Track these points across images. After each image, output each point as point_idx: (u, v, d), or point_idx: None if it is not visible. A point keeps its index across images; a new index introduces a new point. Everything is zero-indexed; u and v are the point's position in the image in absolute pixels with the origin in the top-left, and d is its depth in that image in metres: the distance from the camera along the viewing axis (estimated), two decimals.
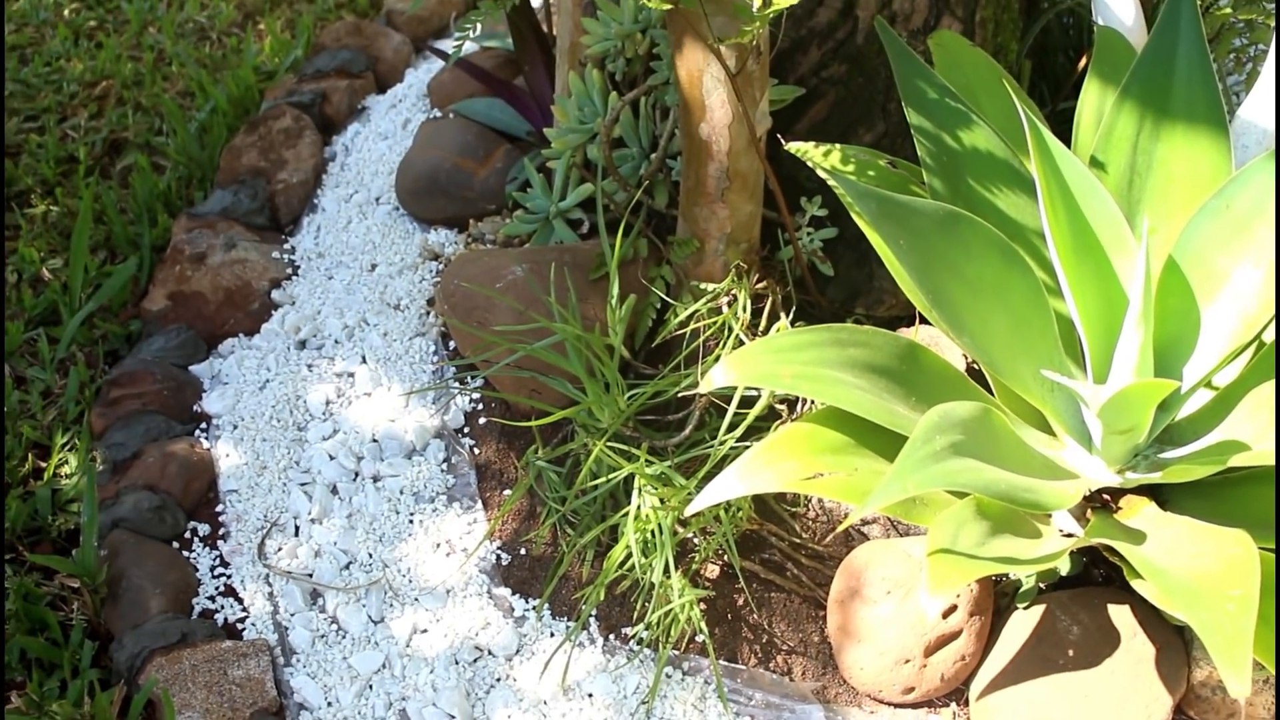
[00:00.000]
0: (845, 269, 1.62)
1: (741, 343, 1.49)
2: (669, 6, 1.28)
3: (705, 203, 1.51)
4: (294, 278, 1.87)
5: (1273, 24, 1.74)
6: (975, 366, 1.51)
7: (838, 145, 1.38)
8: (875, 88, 1.66)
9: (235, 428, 1.65)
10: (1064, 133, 1.53)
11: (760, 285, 1.55)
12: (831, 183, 1.26)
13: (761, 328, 1.53)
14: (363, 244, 1.89)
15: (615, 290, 1.51)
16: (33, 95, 2.32)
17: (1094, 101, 1.41)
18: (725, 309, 1.53)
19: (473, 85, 2.07)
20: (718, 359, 1.45)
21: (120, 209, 2.04)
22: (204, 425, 1.68)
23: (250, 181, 1.98)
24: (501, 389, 1.60)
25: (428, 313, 1.77)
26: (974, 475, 1.13)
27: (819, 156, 1.37)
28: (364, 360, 1.71)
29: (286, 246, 1.92)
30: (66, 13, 2.54)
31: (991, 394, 1.37)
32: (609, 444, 1.43)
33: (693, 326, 1.52)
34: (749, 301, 1.50)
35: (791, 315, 1.56)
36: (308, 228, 1.96)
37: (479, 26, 2.02)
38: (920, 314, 1.51)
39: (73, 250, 1.89)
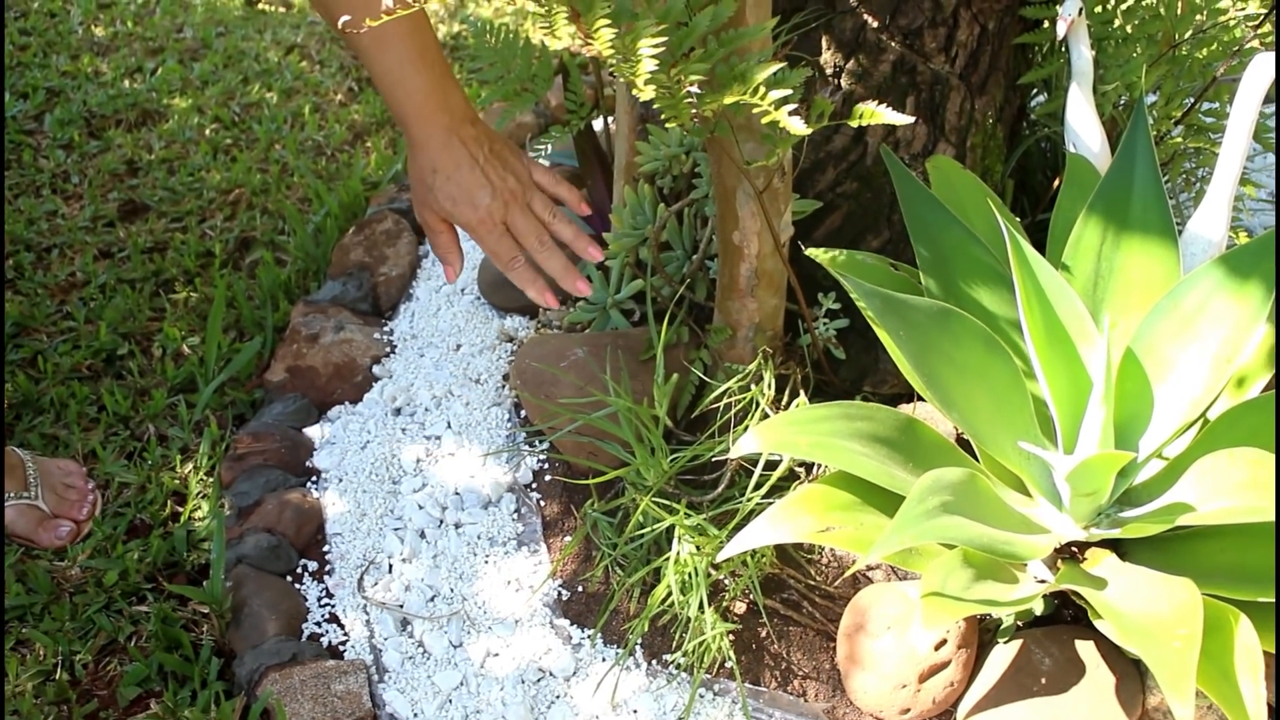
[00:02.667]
0: (855, 354, 1.65)
1: (767, 416, 1.51)
2: (708, 135, 1.32)
3: (737, 297, 1.54)
4: (392, 355, 1.91)
5: (1218, 151, 1.76)
6: (963, 437, 1.53)
7: (848, 251, 1.41)
8: (881, 202, 1.69)
9: (340, 481, 1.69)
10: (1041, 240, 1.56)
11: (783, 367, 1.58)
12: (843, 280, 1.30)
13: (783, 403, 1.56)
14: (449, 328, 1.94)
15: (661, 370, 1.54)
16: (178, 200, 2.39)
17: (1065, 216, 1.44)
18: (753, 387, 1.56)
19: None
20: (747, 429, 1.48)
21: (248, 296, 2.09)
22: (314, 478, 1.72)
23: (357, 274, 2.03)
24: (564, 451, 1.64)
25: (503, 386, 1.81)
26: (961, 530, 1.16)
27: (829, 260, 1.40)
28: (449, 426, 1.74)
29: (386, 329, 1.96)
30: (208, 132, 2.62)
31: (977, 461, 1.39)
32: (654, 499, 1.46)
33: (725, 401, 1.55)
34: (774, 381, 1.53)
35: (810, 393, 1.59)
36: (404, 313, 2.00)
37: (549, 147, 2.08)
38: (917, 393, 1.54)
39: (208, 330, 1.95)
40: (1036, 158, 1.97)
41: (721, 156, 1.45)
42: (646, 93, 1.12)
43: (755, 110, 1.16)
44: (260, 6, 3.20)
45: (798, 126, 1.12)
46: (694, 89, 1.17)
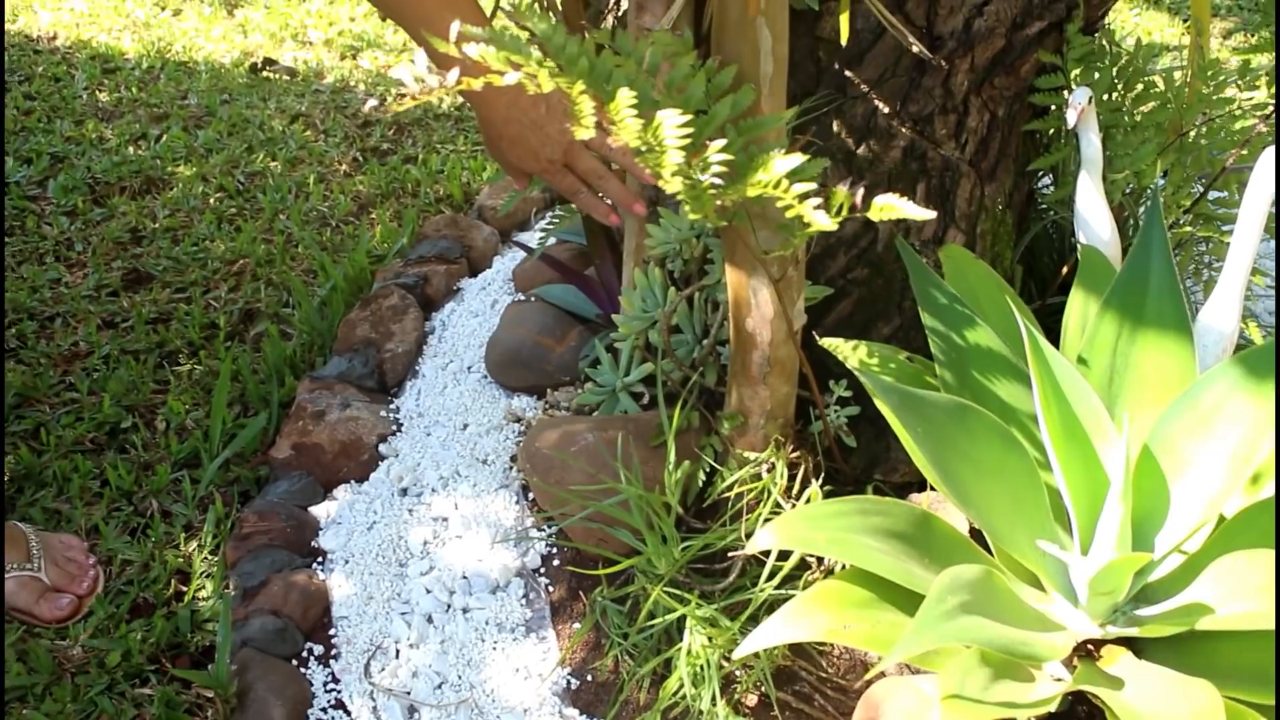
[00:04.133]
0: (866, 441, 1.66)
1: (779, 505, 1.52)
2: (725, 224, 1.33)
3: (749, 384, 1.55)
4: (398, 433, 1.91)
5: (1227, 240, 1.78)
6: (975, 528, 1.53)
7: (864, 342, 1.42)
8: (892, 288, 1.71)
9: (347, 562, 1.69)
10: (1050, 325, 1.57)
11: (794, 455, 1.59)
12: (860, 376, 1.30)
13: (794, 492, 1.56)
14: (456, 406, 1.94)
15: (672, 457, 1.55)
16: (182, 270, 2.40)
17: (1078, 309, 1.46)
18: (765, 475, 1.56)
19: (550, 273, 2.13)
20: (761, 519, 1.49)
21: (253, 369, 2.09)
22: (320, 559, 1.71)
23: (363, 350, 2.04)
24: (573, 538, 1.64)
25: (510, 468, 1.81)
26: (981, 631, 1.16)
27: (848, 351, 1.41)
28: (456, 507, 1.74)
29: (392, 406, 1.97)
30: (212, 200, 2.64)
31: (990, 554, 1.39)
32: (665, 588, 1.46)
33: (737, 490, 1.55)
34: (785, 469, 1.54)
35: (821, 481, 1.59)
36: (410, 391, 2.01)
37: (556, 228, 2.10)
38: (929, 482, 1.54)
39: (214, 405, 1.95)
40: (1043, 241, 1.98)
41: (736, 244, 1.46)
42: (673, 185, 1.13)
43: (780, 204, 1.17)
44: (264, 74, 3.23)
45: (822, 221, 1.13)
46: (716, 180, 1.18)
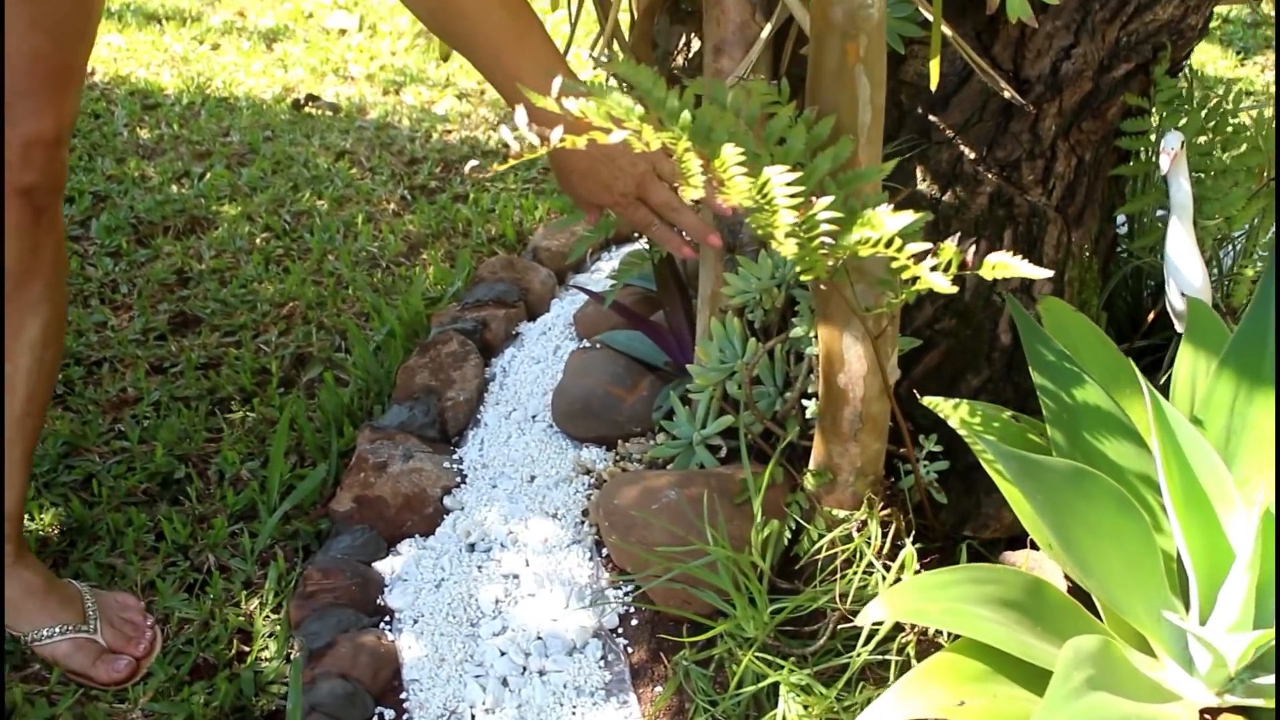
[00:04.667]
0: (956, 497, 1.61)
1: (873, 566, 1.47)
2: (806, 274, 1.29)
3: (840, 441, 1.51)
4: (462, 485, 1.87)
5: None
6: (1075, 587, 1.49)
7: (965, 401, 1.38)
8: (981, 339, 1.67)
9: (415, 622, 1.65)
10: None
11: (886, 512, 1.55)
12: (972, 440, 1.26)
13: (886, 550, 1.52)
14: (522, 457, 1.90)
15: (760, 516, 1.50)
16: (230, 313, 2.37)
17: (1188, 366, 1.41)
18: (856, 534, 1.52)
19: (614, 319, 2.09)
20: (857, 581, 1.44)
21: (308, 418, 2.06)
22: (388, 618, 1.67)
23: (424, 399, 2.00)
24: (654, 598, 1.59)
25: (582, 522, 1.77)
26: (1108, 708, 1.11)
27: (949, 410, 1.37)
28: (527, 564, 1.70)
29: (455, 457, 1.93)
30: (259, 241, 2.61)
31: (1099, 617, 1.35)
32: (743, 648, 1.41)
33: (827, 552, 1.51)
34: (879, 529, 1.49)
35: (912, 538, 1.54)
36: (472, 440, 1.97)
37: (624, 272, 2.06)
38: (1028, 540, 1.50)
39: (272, 456, 1.91)
40: (1120, 283, 1.94)
41: (830, 298, 1.43)
42: (787, 247, 1.09)
43: (894, 264, 1.13)
44: (307, 110, 3.21)
45: (941, 284, 1.09)
46: (826, 239, 1.14)
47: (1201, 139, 1.78)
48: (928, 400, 1.39)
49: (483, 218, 2.70)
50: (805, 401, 1.64)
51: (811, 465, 1.57)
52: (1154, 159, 1.84)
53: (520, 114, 1.08)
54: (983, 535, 1.62)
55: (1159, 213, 1.90)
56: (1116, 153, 1.80)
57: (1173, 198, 1.65)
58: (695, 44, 1.94)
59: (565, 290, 2.43)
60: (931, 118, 1.69)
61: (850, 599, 1.47)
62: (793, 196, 1.10)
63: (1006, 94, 1.58)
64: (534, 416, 1.99)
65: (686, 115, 1.16)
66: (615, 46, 1.98)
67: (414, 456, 1.88)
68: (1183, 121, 1.78)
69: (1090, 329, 1.48)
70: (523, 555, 1.72)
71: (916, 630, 1.48)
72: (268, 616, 1.69)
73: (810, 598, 1.48)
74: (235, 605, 1.72)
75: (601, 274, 2.48)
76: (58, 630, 1.61)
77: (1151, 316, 1.86)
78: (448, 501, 1.83)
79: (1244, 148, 1.79)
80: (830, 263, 1.16)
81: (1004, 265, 1.18)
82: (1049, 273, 1.16)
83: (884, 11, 1.32)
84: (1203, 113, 1.79)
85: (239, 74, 3.44)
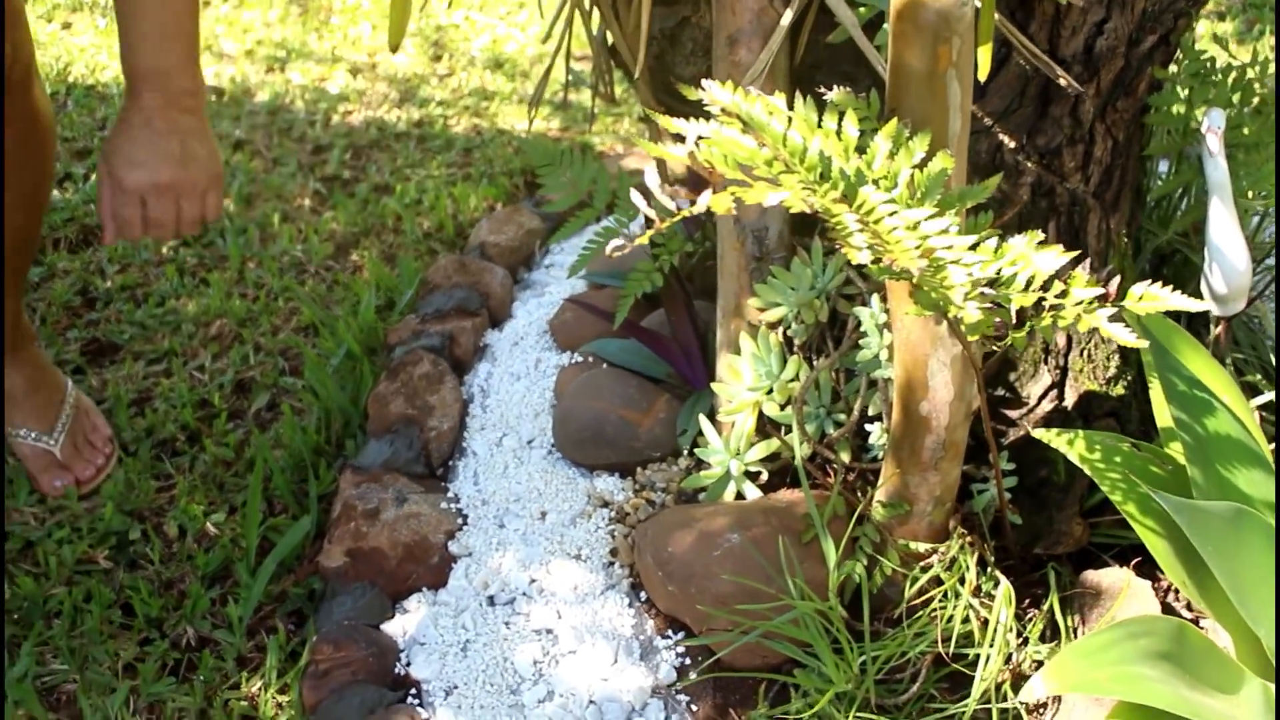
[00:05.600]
0: (1027, 515, 1.54)
1: (971, 609, 1.39)
2: (919, 312, 1.18)
3: (918, 470, 1.42)
4: (465, 527, 1.72)
5: None
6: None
7: (1081, 432, 1.29)
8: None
9: (448, 695, 1.51)
10: None
11: (961, 538, 1.46)
12: (1106, 485, 1.18)
13: (969, 584, 1.43)
14: (526, 491, 1.76)
15: (834, 556, 1.41)
16: (151, 337, 2.17)
17: None
18: (937, 565, 1.43)
19: (599, 325, 1.96)
20: (959, 623, 1.36)
21: (260, 453, 1.88)
22: (414, 691, 1.52)
23: (403, 430, 1.85)
24: (718, 649, 1.48)
25: (611, 563, 1.64)
26: None
27: (1064, 444, 1.28)
28: (560, 616, 1.57)
29: (450, 495, 1.78)
30: (166, 250, 2.39)
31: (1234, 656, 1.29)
32: (837, 703, 1.32)
33: (911, 589, 1.42)
34: (974, 563, 1.41)
35: (993, 565, 1.47)
36: (464, 473, 1.82)
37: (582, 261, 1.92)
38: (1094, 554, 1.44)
39: (248, 510, 1.74)
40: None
41: (915, 327, 1.32)
42: (967, 314, 0.98)
43: (1068, 316, 1.03)
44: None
45: (1128, 338, 0.99)
46: (987, 289, 1.04)
47: (1229, 112, 1.73)
48: (1039, 433, 1.31)
49: (412, 211, 2.52)
50: (868, 425, 1.54)
51: (883, 496, 1.47)
52: (1179, 136, 1.78)
53: (651, 174, 0.94)
54: (1055, 552, 1.55)
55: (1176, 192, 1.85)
56: (1142, 130, 1.73)
57: (1211, 177, 1.59)
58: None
59: (521, 289, 2.28)
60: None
61: (950, 641, 1.38)
62: (956, 248, 0.99)
63: (1062, 80, 1.49)
64: (530, 442, 1.85)
65: (814, 154, 1.04)
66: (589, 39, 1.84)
67: (408, 499, 1.72)
68: (1211, 94, 1.72)
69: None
70: (552, 606, 1.59)
71: (1011, 667, 1.40)
72: (274, 699, 1.53)
73: (900, 642, 1.39)
74: (234, 688, 1.56)
75: (557, 269, 2.34)
76: (26, 433, 1.82)
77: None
78: (453, 547, 1.69)
79: (1270, 118, 1.74)
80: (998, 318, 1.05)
81: (1151, 297, 1.10)
82: (1204, 305, 1.08)
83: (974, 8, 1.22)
84: (1229, 83, 1.73)
85: (101, 56, 3.15)
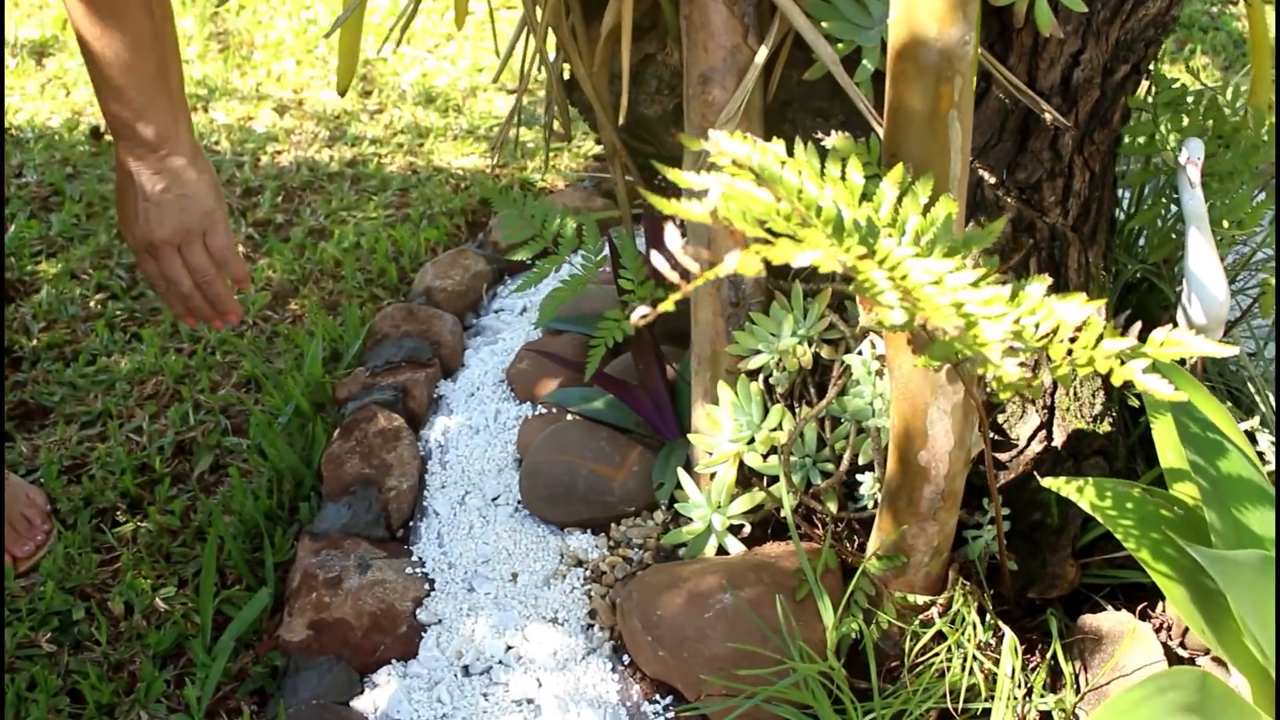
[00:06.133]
0: (1021, 559, 1.51)
1: (978, 661, 1.34)
2: (928, 364, 1.14)
3: (916, 521, 1.37)
4: (433, 593, 1.65)
5: None
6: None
7: (1090, 480, 1.26)
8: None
9: None
10: None
11: (957, 587, 1.42)
12: (1122, 535, 1.14)
13: (971, 638, 1.39)
14: (495, 551, 1.70)
15: (831, 614, 1.36)
16: (83, 398, 2.07)
17: None
18: (938, 619, 1.39)
19: (559, 374, 1.90)
20: (966, 678, 1.31)
21: (212, 522, 1.79)
22: None
23: (361, 492, 1.77)
24: (704, 708, 1.42)
25: (590, 625, 1.58)
26: None
27: (1073, 492, 1.25)
28: (540, 685, 1.51)
29: (414, 559, 1.70)
30: (93, 304, 2.29)
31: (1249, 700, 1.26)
32: None
33: (917, 643, 1.38)
34: (976, 618, 1.37)
35: (990, 617, 1.43)
36: (426, 535, 1.75)
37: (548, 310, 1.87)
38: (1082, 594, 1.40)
39: (202, 587, 1.65)
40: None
41: (913, 377, 1.28)
42: (1006, 372, 0.93)
43: (1094, 367, 0.99)
44: (109, 138, 2.86)
45: (1164, 390, 0.96)
46: (1017, 344, 0.99)
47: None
48: (1048, 481, 1.27)
49: (351, 255, 2.44)
50: (859, 475, 1.50)
51: (878, 548, 1.43)
52: (1154, 166, 1.77)
53: (672, 234, 0.89)
54: (1049, 595, 1.52)
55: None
56: (1115, 161, 1.71)
57: (1188, 207, 1.57)
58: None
59: (471, 336, 2.21)
60: None
61: (956, 695, 1.34)
62: (987, 302, 0.95)
63: (1047, 115, 1.47)
64: (495, 499, 1.78)
65: (831, 207, 0.99)
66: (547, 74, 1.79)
67: (371, 566, 1.65)
68: (1184, 123, 1.71)
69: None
70: (532, 674, 1.52)
71: (1025, 714, 1.36)
72: None
73: (903, 699, 1.35)
74: None
75: (507, 314, 2.27)
76: None
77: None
78: (422, 615, 1.62)
79: (1243, 145, 1.73)
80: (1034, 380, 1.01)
81: (1173, 342, 1.06)
82: (1233, 350, 1.05)
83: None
84: (1201, 112, 1.72)
85: (14, 98, 3.04)
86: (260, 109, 3.08)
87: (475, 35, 3.59)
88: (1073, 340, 1.03)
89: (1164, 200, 1.76)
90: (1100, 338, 0.99)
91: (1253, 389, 1.76)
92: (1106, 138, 1.65)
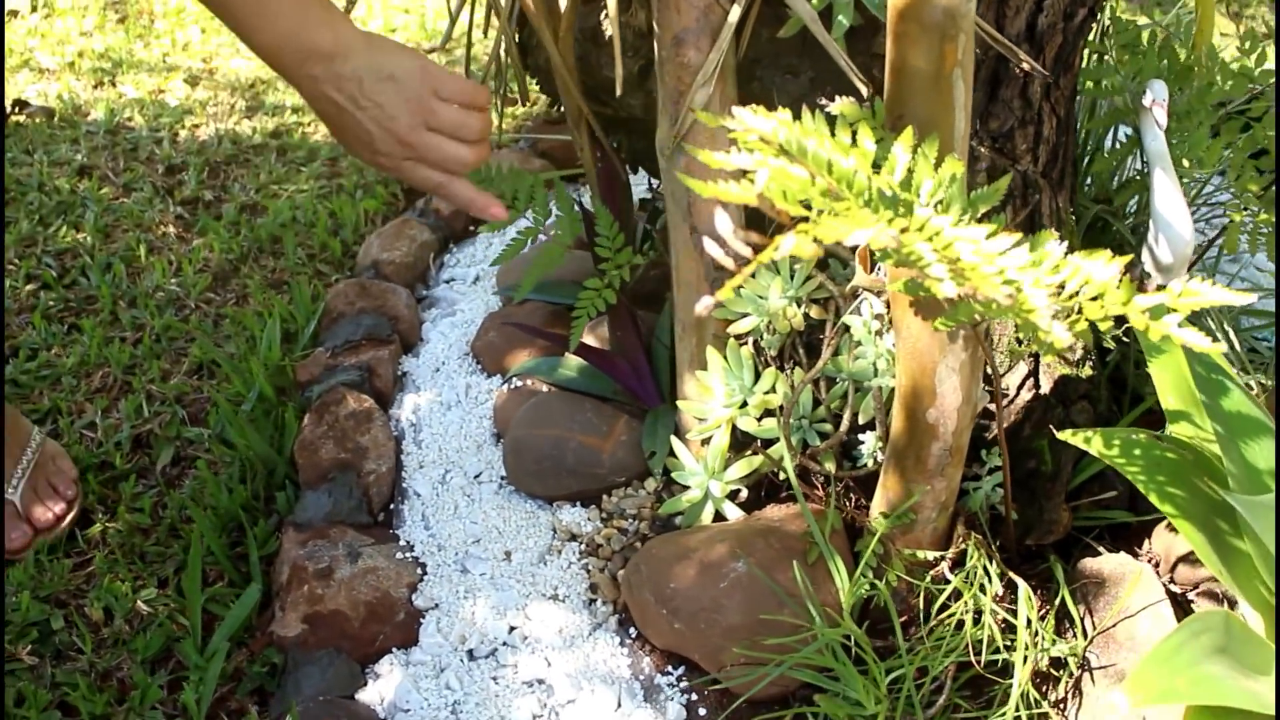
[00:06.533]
0: (1020, 507, 1.53)
1: (994, 613, 1.37)
2: (945, 327, 1.15)
3: (924, 478, 1.39)
4: (426, 577, 1.63)
5: None
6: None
7: (1101, 431, 1.28)
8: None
9: None
10: None
11: (963, 540, 1.44)
12: (1142, 483, 1.17)
13: (995, 593, 1.41)
14: (485, 530, 1.68)
15: (844, 575, 1.37)
16: (28, 395, 2.00)
17: None
18: (947, 572, 1.41)
19: (528, 343, 1.88)
20: (987, 633, 1.33)
21: (186, 517, 1.75)
22: None
23: (340, 478, 1.74)
24: (726, 680, 1.43)
25: (593, 600, 1.57)
26: None
27: (1083, 442, 1.26)
28: (549, 664, 1.50)
29: (402, 543, 1.68)
30: (24, 295, 2.21)
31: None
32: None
33: (936, 599, 1.40)
34: (992, 568, 1.38)
35: (998, 567, 1.45)
36: (410, 518, 1.73)
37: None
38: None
39: (187, 587, 1.61)
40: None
41: (921, 335, 1.29)
42: (1058, 338, 0.94)
43: (1138, 323, 1.00)
44: (17, 119, 2.75)
45: (1202, 343, 0.97)
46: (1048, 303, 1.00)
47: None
48: (1065, 434, 1.29)
49: (290, 231, 2.39)
50: (860, 435, 1.50)
51: (883, 506, 1.44)
52: (1115, 109, 1.79)
53: (722, 219, 0.88)
54: (1046, 541, 1.55)
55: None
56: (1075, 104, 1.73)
57: (1151, 148, 1.60)
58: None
59: (426, 309, 2.18)
60: None
61: (973, 647, 1.36)
62: (1032, 265, 0.95)
63: (1024, 64, 1.48)
64: (477, 477, 1.76)
65: (861, 180, 0.98)
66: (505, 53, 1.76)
67: (361, 554, 1.63)
68: (1141, 64, 1.73)
69: None
70: (539, 654, 1.52)
71: (1034, 668, 1.39)
72: None
73: (922, 655, 1.36)
74: None
75: (459, 283, 2.24)
76: None
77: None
78: (418, 601, 1.60)
79: (1196, 85, 1.76)
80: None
81: (1191, 293, 1.08)
82: (1251, 298, 1.07)
83: None
84: (1157, 52, 1.74)
85: None
86: (171, 81, 2.99)
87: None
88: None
89: (1121, 142, 1.78)
90: (1131, 295, 1.00)
91: (1211, 323, 1.80)
92: (1069, 83, 1.66)
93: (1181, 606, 1.48)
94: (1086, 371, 1.59)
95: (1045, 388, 1.57)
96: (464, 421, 1.85)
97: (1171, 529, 1.54)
